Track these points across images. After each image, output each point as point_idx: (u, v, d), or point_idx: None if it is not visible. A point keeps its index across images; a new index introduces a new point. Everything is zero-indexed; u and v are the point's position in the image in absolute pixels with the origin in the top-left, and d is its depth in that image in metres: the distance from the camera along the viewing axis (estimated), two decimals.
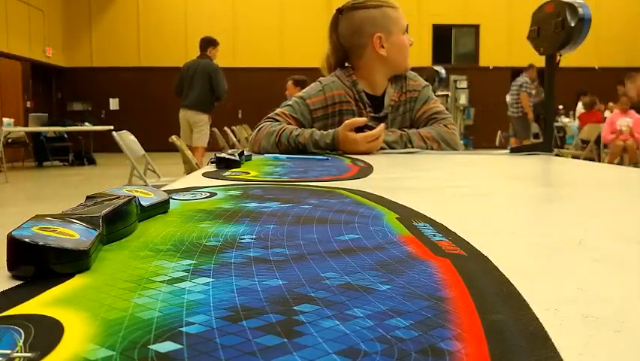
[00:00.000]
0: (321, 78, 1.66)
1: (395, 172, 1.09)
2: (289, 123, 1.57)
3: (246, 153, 1.19)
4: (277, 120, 1.57)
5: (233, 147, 7.19)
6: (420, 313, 0.27)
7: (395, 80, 1.67)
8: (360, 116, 1.59)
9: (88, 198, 0.49)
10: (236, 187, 0.75)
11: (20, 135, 9.73)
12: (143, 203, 0.52)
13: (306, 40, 11.96)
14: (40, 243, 0.34)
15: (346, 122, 1.46)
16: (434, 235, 0.45)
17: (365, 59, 1.64)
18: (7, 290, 0.31)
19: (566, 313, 0.28)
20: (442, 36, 13.46)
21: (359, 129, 1.46)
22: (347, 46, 1.66)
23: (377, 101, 1.65)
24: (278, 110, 1.61)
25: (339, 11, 1.67)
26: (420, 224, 0.50)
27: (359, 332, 0.25)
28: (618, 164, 6.32)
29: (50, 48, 12.78)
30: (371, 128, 1.46)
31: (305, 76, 5.64)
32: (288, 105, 1.62)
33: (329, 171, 1.04)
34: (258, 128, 1.56)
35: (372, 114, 1.61)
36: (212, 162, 1.07)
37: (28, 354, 0.22)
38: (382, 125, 1.50)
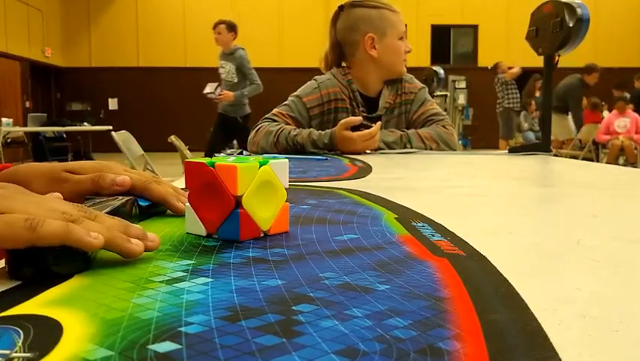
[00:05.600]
0: (316, 77, 1.67)
1: (394, 172, 1.09)
2: (287, 123, 1.57)
3: (245, 152, 1.19)
4: (275, 120, 1.57)
5: (232, 147, 7.18)
6: (419, 313, 0.27)
7: (391, 82, 1.68)
8: (354, 115, 1.60)
9: (87, 198, 0.49)
10: None
11: (19, 135, 9.71)
12: (142, 203, 0.52)
13: (305, 41, 11.97)
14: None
15: (341, 121, 1.47)
16: (433, 235, 0.45)
17: (357, 57, 1.65)
18: (6, 290, 0.31)
19: (565, 313, 0.28)
20: (441, 36, 13.44)
21: (355, 128, 1.47)
22: (341, 41, 1.68)
23: (371, 102, 1.65)
24: (275, 110, 1.61)
25: (341, 8, 1.68)
26: (418, 224, 0.50)
27: (358, 331, 0.25)
28: (616, 164, 6.32)
29: (49, 48, 12.75)
30: (367, 127, 1.47)
31: (305, 77, 5.60)
32: (285, 105, 1.63)
33: (328, 171, 1.04)
34: (256, 129, 1.57)
35: (364, 114, 1.61)
36: None
37: (27, 354, 0.22)
38: (379, 123, 1.51)
